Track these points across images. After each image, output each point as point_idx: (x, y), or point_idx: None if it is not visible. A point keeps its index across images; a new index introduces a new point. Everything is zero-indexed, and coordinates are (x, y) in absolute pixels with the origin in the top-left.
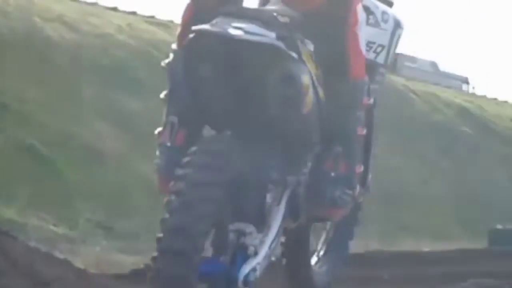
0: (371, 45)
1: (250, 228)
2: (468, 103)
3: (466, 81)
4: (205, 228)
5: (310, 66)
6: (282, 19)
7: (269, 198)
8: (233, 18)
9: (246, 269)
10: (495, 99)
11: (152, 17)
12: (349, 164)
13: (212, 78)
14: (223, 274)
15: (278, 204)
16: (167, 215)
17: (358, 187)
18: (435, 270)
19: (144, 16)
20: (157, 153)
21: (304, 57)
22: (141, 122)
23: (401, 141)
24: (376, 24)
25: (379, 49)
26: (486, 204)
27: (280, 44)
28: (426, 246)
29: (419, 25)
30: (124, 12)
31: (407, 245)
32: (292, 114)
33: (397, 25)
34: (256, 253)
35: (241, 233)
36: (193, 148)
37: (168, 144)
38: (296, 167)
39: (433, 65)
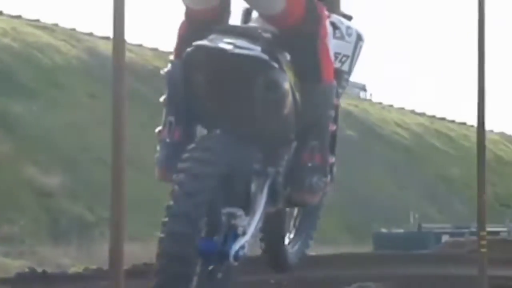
0: (337, 55)
1: (239, 212)
2: (352, 107)
3: (363, 88)
4: (203, 213)
5: (289, 74)
6: (265, 35)
7: (253, 187)
8: (225, 35)
9: (236, 246)
10: (380, 103)
11: (37, 20)
12: (323, 156)
13: (207, 84)
14: (217, 251)
15: (261, 191)
16: (171, 203)
17: (329, 176)
18: (320, 273)
19: (29, 20)
20: (157, 148)
21: (284, 67)
22: (25, 125)
23: None
24: (341, 38)
25: (344, 59)
26: (372, 207)
27: (265, 56)
28: (312, 250)
29: None
30: (9, 15)
31: None
32: (275, 115)
33: (359, 38)
34: (244, 233)
35: (231, 216)
36: (191, 145)
37: (167, 140)
38: (275, 160)
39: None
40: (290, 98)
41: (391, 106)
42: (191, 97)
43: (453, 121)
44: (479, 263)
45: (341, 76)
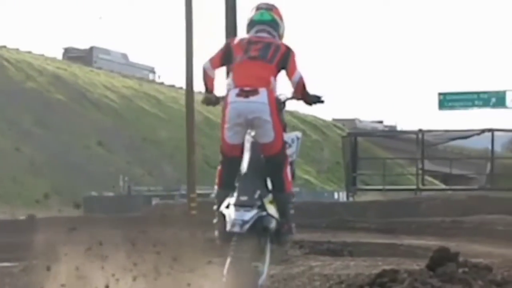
0: (288, 149)
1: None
2: (61, 70)
3: (153, 70)
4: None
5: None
6: (257, 202)
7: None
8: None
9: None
10: (93, 70)
11: None
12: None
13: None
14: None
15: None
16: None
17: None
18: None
19: None
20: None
21: (266, 216)
22: None
23: None
24: (291, 145)
25: (293, 155)
26: (81, 171)
27: (260, 213)
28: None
29: (131, 23)
30: None
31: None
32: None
33: (298, 138)
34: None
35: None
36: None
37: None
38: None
39: (125, 56)
40: (270, 226)
41: (99, 69)
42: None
43: (162, 83)
44: (189, 225)
45: (292, 162)
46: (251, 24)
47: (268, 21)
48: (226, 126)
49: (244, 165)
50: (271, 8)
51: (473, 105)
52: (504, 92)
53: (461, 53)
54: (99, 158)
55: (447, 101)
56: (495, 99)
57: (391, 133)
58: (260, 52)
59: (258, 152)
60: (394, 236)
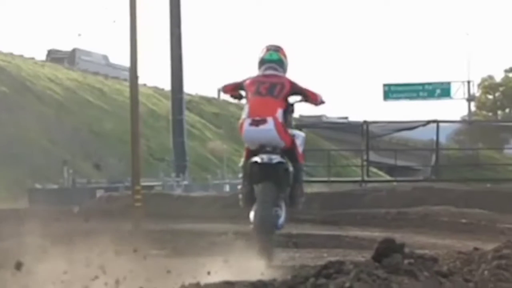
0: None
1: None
2: (5, 63)
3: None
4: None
5: (288, 162)
6: (278, 150)
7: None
8: (263, 153)
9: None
10: (33, 58)
11: None
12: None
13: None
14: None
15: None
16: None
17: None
18: None
19: None
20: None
21: (287, 162)
22: None
23: None
24: (298, 140)
25: (301, 146)
26: (25, 164)
27: (283, 160)
28: None
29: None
30: None
31: None
32: (287, 180)
33: (302, 136)
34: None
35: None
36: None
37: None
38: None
39: (105, 58)
40: (289, 169)
41: (44, 61)
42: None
43: (106, 76)
44: (134, 217)
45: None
46: (262, 62)
47: (275, 60)
48: (245, 141)
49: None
50: (278, 49)
51: (418, 96)
52: (448, 83)
53: (406, 44)
54: (43, 150)
55: (392, 92)
56: (440, 90)
57: (336, 125)
58: (268, 90)
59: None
60: (339, 228)
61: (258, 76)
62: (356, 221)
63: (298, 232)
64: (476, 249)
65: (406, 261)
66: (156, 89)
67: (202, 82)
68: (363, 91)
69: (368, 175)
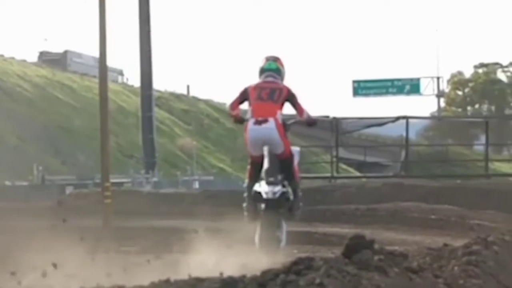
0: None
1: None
2: None
3: (121, 73)
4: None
5: (289, 192)
6: (279, 178)
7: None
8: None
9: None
10: (2, 55)
11: None
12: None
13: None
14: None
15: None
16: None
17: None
18: None
19: None
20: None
21: (288, 191)
22: None
23: None
24: (296, 156)
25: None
26: None
27: (284, 189)
28: None
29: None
30: None
31: None
32: (287, 205)
33: (297, 151)
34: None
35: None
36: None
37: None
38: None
39: (95, 60)
40: (290, 198)
41: (12, 58)
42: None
43: (75, 72)
44: (104, 213)
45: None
46: (262, 71)
47: (274, 69)
48: (249, 143)
49: (266, 164)
50: (276, 60)
51: (388, 92)
52: (418, 80)
53: (375, 40)
54: (12, 147)
55: (362, 88)
56: (409, 86)
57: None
58: (269, 95)
59: (274, 156)
60: (308, 224)
61: (259, 83)
62: (326, 217)
63: None
64: (446, 245)
65: (376, 257)
66: (125, 85)
67: (171, 79)
68: (333, 88)
69: (337, 172)
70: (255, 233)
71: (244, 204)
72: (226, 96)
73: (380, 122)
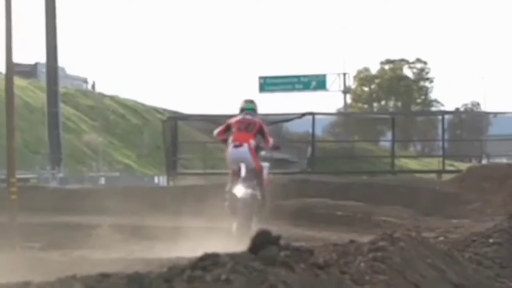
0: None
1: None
2: None
3: (85, 81)
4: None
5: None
6: (253, 183)
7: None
8: (242, 187)
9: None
10: None
11: None
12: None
13: None
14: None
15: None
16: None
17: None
18: None
19: None
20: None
21: (257, 193)
22: None
23: None
24: (264, 170)
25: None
26: None
27: (254, 191)
28: None
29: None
30: None
31: None
32: (256, 203)
33: (267, 166)
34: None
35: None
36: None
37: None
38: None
39: (62, 70)
40: (258, 198)
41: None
42: None
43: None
44: (9, 210)
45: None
46: (242, 110)
47: (251, 109)
48: (229, 161)
49: (242, 174)
50: (252, 102)
51: (294, 89)
52: (324, 76)
53: (282, 37)
54: None
55: (268, 84)
56: (316, 83)
57: (212, 118)
58: (246, 127)
59: (248, 169)
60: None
61: (240, 118)
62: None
63: (174, 225)
64: (352, 241)
65: (282, 253)
66: (31, 81)
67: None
68: (239, 84)
69: None
70: (233, 223)
71: (226, 202)
72: (131, 92)
73: (286, 118)
